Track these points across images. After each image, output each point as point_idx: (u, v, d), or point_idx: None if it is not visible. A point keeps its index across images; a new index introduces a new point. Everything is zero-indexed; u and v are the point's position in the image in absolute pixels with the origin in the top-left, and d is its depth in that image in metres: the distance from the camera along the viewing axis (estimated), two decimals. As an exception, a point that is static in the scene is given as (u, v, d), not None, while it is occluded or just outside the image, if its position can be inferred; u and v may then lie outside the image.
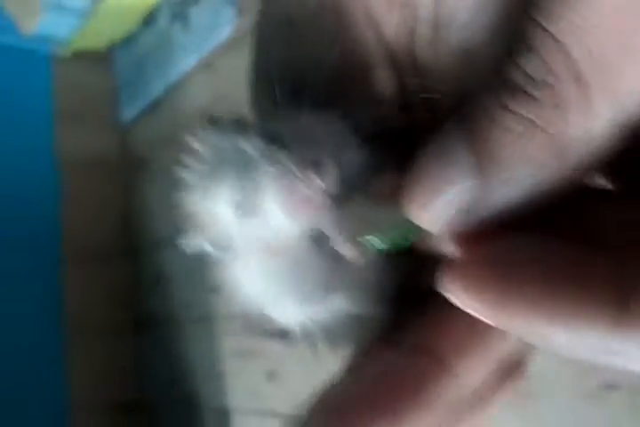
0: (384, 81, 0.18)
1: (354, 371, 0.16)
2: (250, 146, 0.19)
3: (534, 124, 0.13)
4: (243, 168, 0.18)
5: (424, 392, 0.15)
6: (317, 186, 0.17)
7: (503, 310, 0.12)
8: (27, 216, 1.10)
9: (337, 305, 0.21)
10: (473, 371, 0.16)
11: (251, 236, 0.19)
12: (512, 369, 0.18)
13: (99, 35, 1.28)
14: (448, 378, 0.15)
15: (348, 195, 0.18)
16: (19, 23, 1.16)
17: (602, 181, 0.16)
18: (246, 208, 0.19)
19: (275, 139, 0.19)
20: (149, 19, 1.27)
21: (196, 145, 0.20)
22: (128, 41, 1.34)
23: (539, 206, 0.14)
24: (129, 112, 1.34)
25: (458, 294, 0.13)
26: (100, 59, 1.37)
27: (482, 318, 0.13)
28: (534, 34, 0.12)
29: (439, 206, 0.14)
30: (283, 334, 0.22)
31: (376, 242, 0.18)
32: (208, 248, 0.20)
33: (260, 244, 0.19)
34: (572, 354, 0.12)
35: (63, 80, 1.30)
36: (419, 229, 0.15)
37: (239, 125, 0.20)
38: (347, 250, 0.19)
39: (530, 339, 0.13)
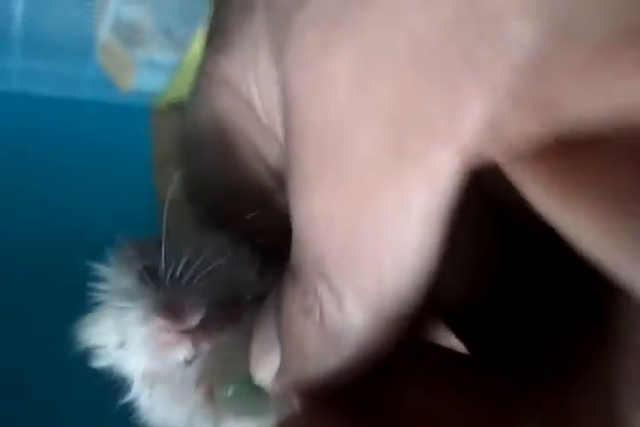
0: (278, 197, 0.20)
1: None
2: (126, 283, 0.20)
3: (303, 310, 0.13)
4: (121, 309, 0.20)
5: None
6: (173, 331, 0.19)
7: None
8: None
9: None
10: None
11: (133, 367, 0.21)
12: None
13: (189, 85, 1.35)
14: None
15: (213, 330, 0.19)
16: (116, 81, 1.26)
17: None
18: (123, 344, 0.20)
19: (156, 272, 0.20)
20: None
21: (101, 273, 0.22)
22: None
23: (346, 381, 0.14)
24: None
25: None
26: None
27: None
28: (293, 230, 0.13)
29: (267, 369, 0.15)
30: None
31: (229, 391, 0.19)
32: (104, 369, 0.22)
33: (143, 374, 0.21)
34: None
35: (161, 131, 1.38)
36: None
37: (138, 250, 0.22)
38: (199, 398, 0.20)
39: None
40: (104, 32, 1.16)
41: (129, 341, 0.20)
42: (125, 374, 0.22)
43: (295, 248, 0.13)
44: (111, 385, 0.23)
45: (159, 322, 0.19)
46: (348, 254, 0.12)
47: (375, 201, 0.11)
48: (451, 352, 0.17)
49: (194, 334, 0.19)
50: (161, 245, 0.20)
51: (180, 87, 1.34)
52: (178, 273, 0.19)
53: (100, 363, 0.22)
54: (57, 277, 1.13)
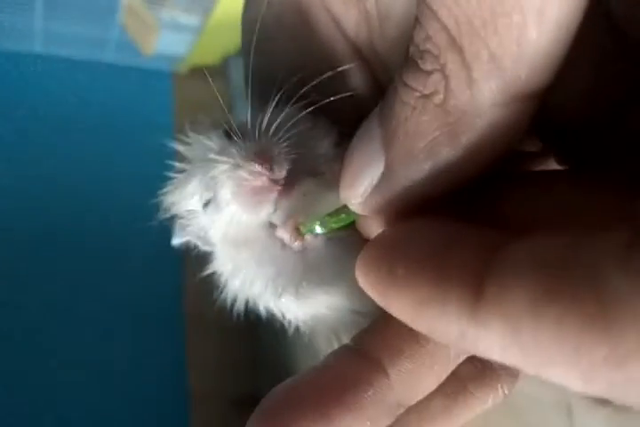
0: (354, 74, 0.19)
1: (311, 369, 0.16)
2: (212, 143, 0.21)
3: (423, 95, 0.12)
4: (206, 166, 0.20)
5: (353, 394, 0.14)
6: (265, 177, 0.19)
7: (383, 292, 0.12)
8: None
9: (333, 301, 0.21)
10: (409, 375, 0.15)
11: (219, 229, 0.21)
12: (484, 378, 0.17)
13: (212, 49, 1.34)
14: (380, 382, 0.15)
15: (298, 183, 0.19)
16: (139, 45, 1.25)
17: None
18: (210, 203, 0.21)
19: (239, 134, 0.20)
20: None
21: (179, 147, 0.22)
22: (240, 54, 1.39)
23: (454, 188, 0.14)
24: (243, 121, 1.39)
25: (358, 275, 0.13)
26: (216, 72, 1.44)
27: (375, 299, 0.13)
28: (418, 4, 0.12)
29: (361, 186, 0.14)
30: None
31: (315, 227, 0.19)
32: (191, 240, 0.23)
33: (227, 237, 0.21)
34: (438, 338, 0.12)
35: (182, 95, 1.38)
36: (353, 212, 0.16)
37: (215, 126, 0.22)
38: (286, 235, 0.20)
39: (409, 323, 0.12)
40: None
41: (218, 194, 0.20)
42: (209, 242, 0.22)
43: (423, 22, 0.12)
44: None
45: (252, 167, 0.19)
46: (489, 11, 0.11)
47: None
48: (552, 172, 0.16)
49: (280, 185, 0.19)
50: (233, 119, 0.21)
51: (205, 52, 1.33)
52: (262, 130, 0.20)
53: (184, 232, 0.22)
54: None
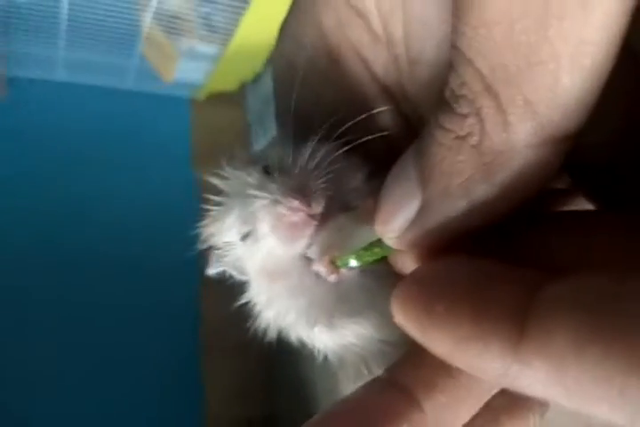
0: (384, 113, 0.20)
1: (345, 400, 0.16)
2: (251, 179, 0.21)
3: (458, 136, 0.13)
4: (245, 201, 0.21)
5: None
6: (302, 213, 0.19)
7: (422, 329, 0.13)
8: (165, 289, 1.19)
9: (363, 331, 0.21)
10: (443, 409, 0.15)
11: (255, 261, 0.22)
12: (516, 408, 0.17)
13: (229, 77, 1.36)
14: (415, 415, 0.15)
15: (333, 217, 0.20)
16: (159, 72, 1.28)
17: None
18: (248, 235, 0.21)
19: (276, 169, 0.21)
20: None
21: (216, 181, 0.23)
22: (257, 80, 1.41)
23: (487, 225, 0.14)
24: (259, 146, 1.40)
25: (394, 311, 0.14)
26: (233, 99, 1.46)
27: (412, 335, 0.13)
28: (453, 52, 0.13)
29: (397, 222, 0.15)
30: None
31: (350, 261, 0.19)
32: (228, 270, 0.23)
33: (264, 268, 0.21)
34: (479, 375, 0.12)
35: (200, 121, 1.40)
36: (387, 246, 0.16)
37: (251, 160, 0.23)
38: (322, 269, 0.20)
39: (447, 359, 0.13)
40: (147, 22, 1.18)
41: (257, 228, 0.21)
42: (245, 272, 0.23)
43: (459, 70, 0.13)
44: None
45: (290, 203, 0.19)
46: (524, 60, 0.11)
47: None
48: (586, 211, 0.16)
49: (317, 220, 0.20)
50: (273, 152, 0.22)
51: (222, 80, 1.36)
52: (300, 167, 0.20)
53: (220, 263, 0.23)
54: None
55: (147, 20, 1.18)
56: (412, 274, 0.14)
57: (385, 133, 0.20)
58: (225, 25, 1.21)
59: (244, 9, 1.17)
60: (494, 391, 0.16)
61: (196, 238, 0.24)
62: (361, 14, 0.18)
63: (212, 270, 0.24)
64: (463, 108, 0.13)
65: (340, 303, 0.21)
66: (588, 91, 0.12)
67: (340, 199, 0.20)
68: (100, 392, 1.12)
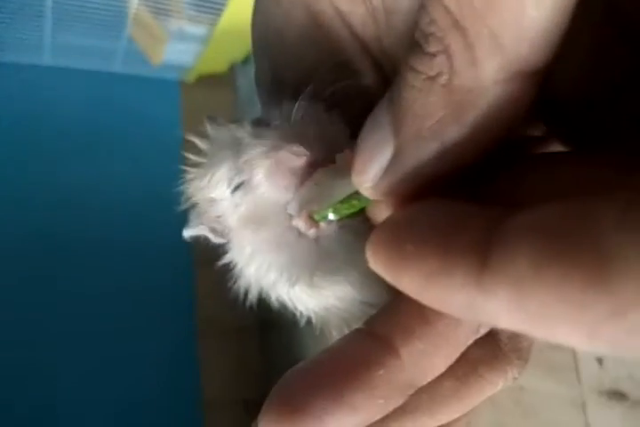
0: (364, 70, 0.20)
1: (325, 351, 0.16)
2: (241, 131, 0.21)
3: (428, 77, 0.13)
4: (236, 150, 0.21)
5: (366, 374, 0.15)
6: (305, 158, 0.19)
7: (392, 268, 0.13)
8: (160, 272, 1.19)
9: (345, 292, 0.21)
10: (420, 355, 0.15)
11: (242, 212, 0.22)
12: (495, 362, 0.18)
13: (219, 58, 1.35)
14: (392, 362, 0.15)
15: (317, 168, 0.20)
16: (147, 55, 1.27)
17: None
18: (240, 183, 0.21)
19: (264, 124, 0.21)
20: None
21: (197, 141, 0.23)
22: (247, 61, 1.40)
23: (461, 168, 0.14)
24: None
25: (368, 256, 0.14)
26: (223, 80, 1.45)
27: (385, 278, 0.13)
28: None
29: (372, 171, 0.15)
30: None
31: (328, 214, 0.19)
32: (205, 233, 0.23)
33: (249, 219, 0.21)
34: (447, 310, 0.12)
35: (190, 103, 1.39)
36: (365, 198, 0.16)
37: (235, 120, 0.22)
38: (301, 223, 0.20)
39: (418, 297, 0.13)
40: (135, 3, 1.16)
41: (251, 176, 0.20)
42: (224, 232, 0.22)
43: (428, 7, 0.13)
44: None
45: (295, 147, 0.19)
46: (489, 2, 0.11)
47: None
48: (556, 153, 0.17)
49: (315, 168, 0.20)
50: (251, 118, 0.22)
51: (211, 61, 1.34)
52: (293, 121, 0.20)
53: (199, 221, 0.23)
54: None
55: (134, 1, 1.17)
56: (385, 220, 0.15)
57: (360, 85, 0.20)
58: (213, 4, 1.20)
59: (231, -12, 1.16)
60: (470, 342, 0.16)
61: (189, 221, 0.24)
62: None
63: (189, 231, 0.23)
64: (432, 47, 0.13)
65: (321, 261, 0.21)
66: (554, 23, 0.12)
67: (326, 156, 0.20)
68: (96, 379, 1.13)
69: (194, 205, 0.23)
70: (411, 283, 0.13)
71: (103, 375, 1.13)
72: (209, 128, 0.22)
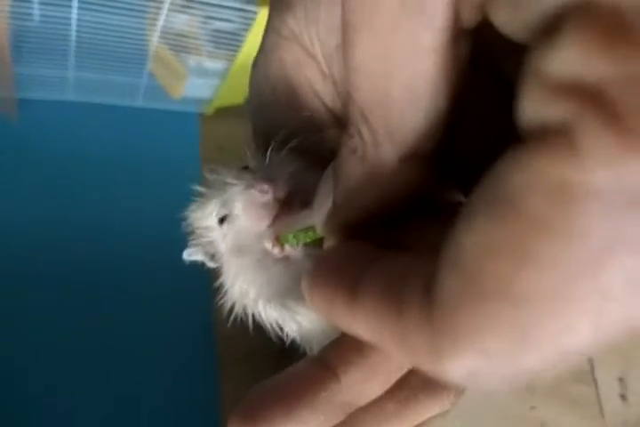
0: (334, 138, 0.24)
1: (282, 373, 0.20)
2: (229, 174, 0.26)
3: (351, 150, 0.17)
4: (223, 189, 0.26)
5: (311, 394, 0.18)
6: (270, 195, 0.24)
7: (310, 295, 0.17)
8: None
9: (314, 315, 0.25)
10: (357, 382, 0.19)
11: (228, 241, 0.26)
12: (433, 389, 0.20)
13: (237, 91, 1.38)
14: (333, 385, 0.19)
15: (290, 205, 0.25)
16: (167, 90, 1.30)
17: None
18: (224, 219, 0.26)
19: (249, 170, 0.26)
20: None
21: (207, 175, 0.27)
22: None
23: (378, 219, 0.18)
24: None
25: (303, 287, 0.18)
26: (240, 112, 1.47)
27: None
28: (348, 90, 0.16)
29: (321, 213, 0.19)
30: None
31: (290, 238, 0.24)
32: (202, 257, 0.28)
33: (234, 246, 0.26)
34: (344, 328, 0.16)
35: (209, 135, 1.42)
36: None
37: (236, 167, 0.27)
38: (268, 244, 0.25)
39: (327, 317, 0.17)
40: (155, 41, 1.20)
41: (233, 209, 0.25)
42: (217, 257, 0.27)
43: (350, 103, 0.16)
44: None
45: (261, 186, 0.24)
46: (380, 97, 0.15)
47: (394, 44, 0.14)
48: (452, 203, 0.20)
49: (280, 204, 0.24)
50: (246, 166, 0.26)
51: (229, 93, 1.38)
52: (268, 165, 0.25)
53: (196, 246, 0.27)
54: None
55: (154, 39, 1.20)
56: (318, 256, 0.18)
57: (327, 141, 0.24)
58: (231, 41, 1.23)
59: (249, 25, 1.19)
60: (404, 370, 0.19)
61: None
62: (311, 55, 0.22)
63: (187, 254, 0.28)
64: (351, 129, 0.16)
65: (292, 285, 0.25)
66: (427, 124, 0.15)
67: (299, 196, 0.25)
68: (111, 389, 1.13)
69: (193, 232, 0.28)
70: (321, 308, 0.17)
71: (110, 389, 1.14)
72: (207, 174, 0.27)
